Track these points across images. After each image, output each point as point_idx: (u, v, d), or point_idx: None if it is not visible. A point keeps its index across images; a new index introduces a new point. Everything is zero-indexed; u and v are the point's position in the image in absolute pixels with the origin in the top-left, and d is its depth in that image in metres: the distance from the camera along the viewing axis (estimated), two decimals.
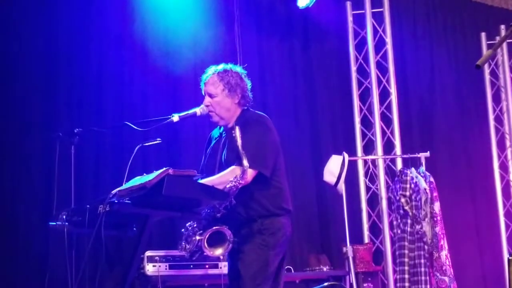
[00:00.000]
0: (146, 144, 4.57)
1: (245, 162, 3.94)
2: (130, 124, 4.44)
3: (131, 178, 4.03)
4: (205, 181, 4.03)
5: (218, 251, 4.00)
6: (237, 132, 3.99)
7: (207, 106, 4.31)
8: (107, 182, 6.36)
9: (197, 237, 4.03)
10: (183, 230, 4.15)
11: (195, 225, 4.09)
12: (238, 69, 4.40)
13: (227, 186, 3.95)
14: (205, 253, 4.02)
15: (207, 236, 3.97)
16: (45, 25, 6.74)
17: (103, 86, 6.82)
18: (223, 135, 4.38)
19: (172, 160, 6.57)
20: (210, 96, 4.30)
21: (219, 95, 4.28)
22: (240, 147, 3.96)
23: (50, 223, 4.13)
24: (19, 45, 6.62)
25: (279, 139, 4.33)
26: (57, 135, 4.46)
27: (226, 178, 4.01)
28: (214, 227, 3.97)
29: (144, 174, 3.92)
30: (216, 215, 3.99)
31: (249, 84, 4.39)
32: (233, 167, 4.07)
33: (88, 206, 3.92)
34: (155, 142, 4.53)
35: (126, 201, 3.79)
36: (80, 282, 3.98)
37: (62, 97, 6.67)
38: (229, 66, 4.40)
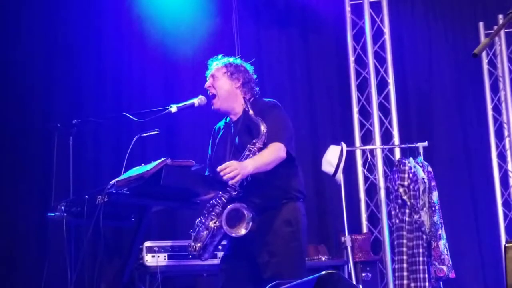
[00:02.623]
0: (144, 134, 4.58)
1: (263, 128, 4.06)
2: (128, 115, 4.45)
3: (129, 168, 4.04)
4: (255, 161, 4.04)
5: (242, 231, 3.97)
6: (248, 105, 4.18)
7: (208, 87, 4.36)
8: (105, 173, 6.38)
9: (212, 225, 4.03)
10: (191, 231, 4.15)
11: (203, 219, 4.10)
12: (247, 64, 4.50)
13: (245, 153, 4.04)
14: (231, 234, 3.98)
15: (225, 216, 3.95)
16: (43, 16, 6.75)
17: (101, 77, 6.84)
18: (232, 125, 4.39)
19: (170, 150, 6.58)
20: (212, 77, 4.36)
21: (220, 78, 4.36)
22: (253, 115, 4.12)
23: (49, 214, 4.14)
24: (18, 36, 6.63)
25: None
26: (55, 125, 4.47)
27: (272, 156, 4.11)
28: (229, 206, 3.97)
29: (142, 164, 3.93)
30: (232, 194, 4.01)
31: (254, 78, 4.44)
32: (273, 144, 4.14)
33: (86, 196, 3.93)
34: (153, 132, 4.53)
35: (125, 192, 3.81)
36: (79, 273, 3.98)
37: (60, 88, 6.68)
38: (238, 59, 4.51)
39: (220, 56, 4.50)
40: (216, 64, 4.43)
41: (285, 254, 4.13)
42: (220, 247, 5.35)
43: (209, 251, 4.09)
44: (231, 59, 4.47)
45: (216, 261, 5.55)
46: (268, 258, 4.13)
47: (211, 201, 4.07)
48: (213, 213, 4.03)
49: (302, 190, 4.34)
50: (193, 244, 4.10)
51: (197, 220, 4.12)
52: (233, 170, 3.92)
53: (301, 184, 4.34)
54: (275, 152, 4.13)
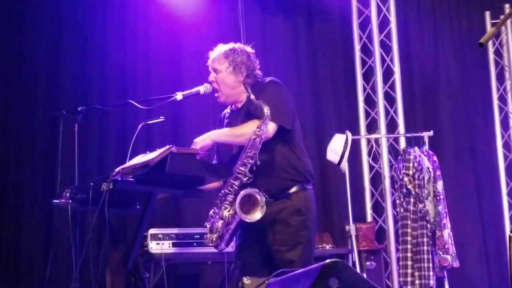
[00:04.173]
0: (149, 122, 4.58)
1: (266, 110, 3.97)
2: (133, 102, 4.45)
3: (134, 156, 4.05)
4: (223, 130, 4.07)
5: (257, 215, 3.95)
6: (249, 89, 4.11)
7: (212, 82, 4.32)
8: (110, 160, 6.38)
9: (226, 214, 4.03)
10: (206, 223, 4.15)
11: (216, 210, 4.09)
12: (247, 48, 4.39)
13: (252, 137, 3.98)
14: (246, 219, 3.97)
15: (239, 202, 3.92)
16: (48, 3, 6.74)
17: (106, 64, 6.83)
18: (237, 113, 4.36)
19: (175, 138, 6.58)
20: (215, 71, 4.31)
21: (223, 72, 4.28)
22: (254, 99, 4.03)
23: (54, 200, 4.15)
24: (23, 23, 6.63)
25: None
26: (61, 113, 4.48)
27: (246, 128, 4.05)
28: (242, 192, 3.95)
29: (147, 152, 3.93)
30: (243, 180, 4.00)
31: (257, 64, 4.38)
32: (252, 120, 4.09)
33: (91, 184, 3.93)
34: (158, 120, 4.53)
35: (130, 179, 3.80)
36: (84, 259, 4.00)
37: (65, 75, 6.68)
38: (238, 45, 4.39)
39: (220, 46, 4.39)
40: (218, 58, 4.32)
41: (295, 243, 4.13)
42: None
43: (225, 239, 4.09)
44: (233, 48, 4.34)
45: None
46: (279, 247, 4.14)
47: (222, 190, 4.05)
48: (226, 202, 4.02)
49: (311, 171, 4.32)
50: (209, 235, 4.10)
51: (211, 211, 4.11)
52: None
53: (309, 165, 4.32)
54: (248, 125, 4.10)
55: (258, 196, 3.94)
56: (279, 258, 4.12)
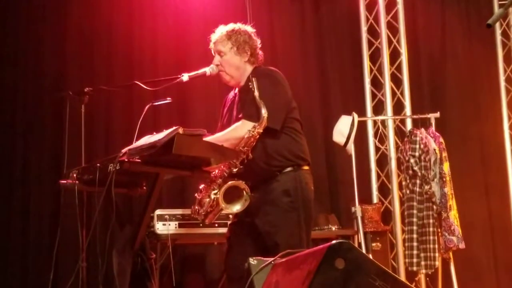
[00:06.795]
0: (156, 103, 4.59)
1: (264, 111, 3.97)
2: (140, 84, 4.45)
3: (141, 137, 4.05)
4: (211, 138, 4.05)
5: (236, 207, 4.01)
6: (254, 84, 4.03)
7: (217, 65, 4.33)
8: (117, 141, 6.40)
9: (212, 196, 4.05)
10: (196, 194, 4.18)
11: (206, 186, 4.12)
12: (247, 27, 4.41)
13: (246, 136, 3.99)
14: (222, 210, 4.03)
15: (223, 192, 3.98)
16: None
17: (113, 45, 6.83)
18: (237, 95, 4.39)
19: (182, 119, 6.59)
20: (220, 54, 4.32)
21: (227, 54, 4.30)
22: (257, 97, 4.00)
23: (61, 181, 4.16)
24: (30, 6, 6.64)
25: (290, 92, 4.33)
26: (67, 94, 4.48)
27: (240, 132, 4.05)
28: (230, 182, 3.99)
29: (154, 133, 3.93)
30: (233, 170, 4.02)
31: (258, 42, 4.39)
32: (241, 121, 4.11)
33: (98, 164, 3.94)
34: (165, 101, 4.54)
35: (136, 160, 3.81)
36: (91, 240, 4.01)
37: (72, 56, 6.69)
38: (238, 25, 4.40)
39: (221, 28, 4.40)
40: (221, 40, 4.33)
41: (283, 225, 4.14)
42: (230, 216, 5.39)
43: (210, 218, 4.13)
44: (234, 29, 4.36)
45: (226, 229, 5.58)
46: (268, 228, 4.16)
47: (214, 172, 4.09)
48: (215, 183, 4.05)
49: (304, 156, 4.31)
50: (197, 208, 4.14)
51: (201, 186, 4.16)
52: None
53: (302, 150, 4.31)
54: (229, 132, 4.13)
55: (244, 191, 3.98)
56: (269, 238, 4.14)
